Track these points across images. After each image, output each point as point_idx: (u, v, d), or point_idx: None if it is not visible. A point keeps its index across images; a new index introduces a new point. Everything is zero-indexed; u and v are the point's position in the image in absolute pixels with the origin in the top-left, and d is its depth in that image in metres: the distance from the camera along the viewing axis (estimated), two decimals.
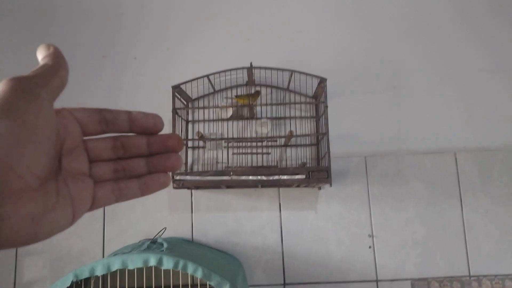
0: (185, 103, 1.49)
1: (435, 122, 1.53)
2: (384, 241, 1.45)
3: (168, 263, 1.07)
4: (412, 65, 1.57)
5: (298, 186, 1.40)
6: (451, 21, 1.59)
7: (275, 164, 1.48)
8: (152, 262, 1.06)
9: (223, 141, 1.42)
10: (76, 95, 1.61)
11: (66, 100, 1.59)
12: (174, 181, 1.28)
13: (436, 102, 1.54)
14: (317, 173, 1.25)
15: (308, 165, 1.47)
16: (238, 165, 1.45)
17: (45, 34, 1.68)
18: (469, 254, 1.43)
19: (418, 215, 1.46)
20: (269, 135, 1.45)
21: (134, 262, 1.07)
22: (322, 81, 1.32)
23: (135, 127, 0.39)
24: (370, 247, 1.45)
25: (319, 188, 1.47)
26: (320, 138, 1.44)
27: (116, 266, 1.08)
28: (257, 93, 1.41)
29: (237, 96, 1.45)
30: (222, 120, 1.49)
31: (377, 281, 1.43)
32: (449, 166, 1.49)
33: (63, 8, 1.70)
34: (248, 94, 1.42)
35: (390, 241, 1.45)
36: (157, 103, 1.56)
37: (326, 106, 1.30)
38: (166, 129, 1.52)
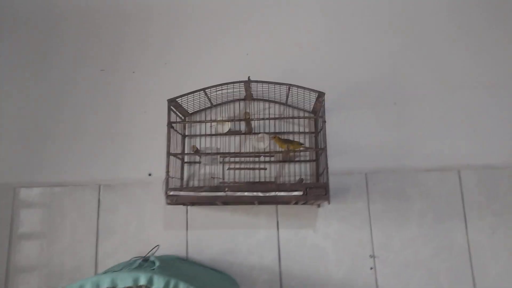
0: (182, 117, 1.47)
1: (438, 139, 1.48)
2: (386, 262, 1.39)
3: (158, 283, 1.03)
4: (413, 80, 1.54)
5: (296, 203, 1.36)
6: (453, 36, 1.57)
7: (274, 180, 1.44)
8: (142, 281, 1.02)
9: (218, 156, 1.39)
10: (75, 107, 1.61)
11: (66, 111, 1.56)
12: (168, 196, 1.25)
13: (439, 118, 1.50)
14: (315, 190, 1.21)
15: (307, 181, 1.43)
16: (235, 180, 1.41)
17: (47, 48, 1.69)
18: (476, 276, 1.37)
19: (421, 234, 1.41)
20: (267, 150, 1.42)
21: (124, 280, 1.03)
22: (320, 95, 1.29)
23: None
24: (371, 268, 1.39)
25: (318, 206, 1.43)
26: (319, 153, 1.40)
27: (105, 284, 1.04)
28: (298, 144, 1.40)
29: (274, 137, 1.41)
30: (219, 134, 1.47)
31: None
32: (453, 184, 1.44)
33: (65, 23, 1.71)
34: (286, 139, 1.40)
35: (392, 261, 1.39)
36: (155, 117, 1.55)
37: (324, 121, 1.27)
38: (162, 144, 1.50)
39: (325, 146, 1.26)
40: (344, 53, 1.58)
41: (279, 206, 1.45)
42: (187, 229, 1.46)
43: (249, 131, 1.46)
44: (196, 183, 1.47)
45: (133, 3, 1.69)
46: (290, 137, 1.46)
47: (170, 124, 1.31)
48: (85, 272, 1.44)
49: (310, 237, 1.43)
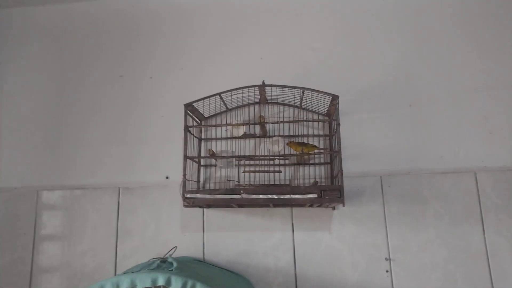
0: (198, 121, 1.50)
1: (454, 140, 1.48)
2: (402, 265, 1.39)
3: (176, 283, 1.05)
4: (428, 81, 1.54)
5: (311, 205, 1.37)
6: (467, 36, 1.56)
7: (288, 183, 1.46)
8: (161, 281, 1.05)
9: (234, 159, 1.41)
10: (94, 112, 1.65)
11: (86, 115, 1.62)
12: (185, 199, 1.28)
13: (454, 119, 1.49)
14: (330, 192, 1.22)
15: (322, 184, 1.44)
16: (250, 183, 1.43)
17: (66, 54, 1.74)
18: (494, 280, 1.35)
19: (437, 237, 1.40)
20: (281, 153, 1.43)
21: (143, 281, 1.06)
22: (334, 98, 1.30)
23: None
24: (387, 271, 1.39)
25: (333, 208, 1.44)
26: (333, 156, 1.41)
27: (125, 284, 1.06)
28: (313, 146, 1.40)
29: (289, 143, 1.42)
30: (235, 138, 1.49)
31: None
32: (469, 186, 1.43)
33: (83, 29, 1.76)
34: (301, 142, 1.41)
35: (408, 264, 1.39)
36: (172, 121, 1.58)
37: (339, 124, 1.28)
38: (179, 147, 1.54)
39: (340, 149, 1.27)
40: (357, 55, 1.59)
41: (294, 209, 1.46)
42: (203, 231, 1.48)
43: (264, 134, 1.48)
44: (212, 186, 1.50)
45: (149, 10, 1.74)
46: (305, 140, 1.47)
47: (187, 128, 1.34)
48: (105, 272, 1.48)
49: (325, 239, 1.43)
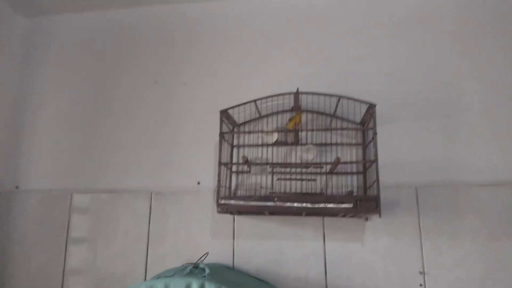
0: (231, 127, 1.50)
1: (492, 152, 1.43)
2: (437, 279, 1.35)
3: None
4: (467, 92, 1.50)
5: (344, 215, 1.35)
6: (506, 46, 1.52)
7: (320, 191, 1.44)
8: (194, 287, 1.05)
9: (268, 166, 1.41)
10: (128, 118, 1.68)
11: (120, 120, 1.64)
12: (219, 205, 1.28)
13: (493, 130, 1.45)
14: (366, 203, 1.20)
15: (355, 193, 1.42)
16: (283, 191, 1.42)
17: (102, 61, 1.78)
18: None
19: (474, 251, 1.35)
20: (314, 161, 1.42)
21: (177, 285, 1.06)
22: (371, 107, 1.29)
23: None
24: (421, 285, 1.35)
25: (366, 219, 1.41)
26: (367, 166, 1.39)
27: None
28: (298, 117, 1.40)
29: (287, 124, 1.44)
30: (267, 145, 1.49)
31: None
32: (508, 200, 1.38)
33: (119, 36, 1.80)
34: (290, 118, 1.41)
35: (443, 279, 1.35)
36: (205, 127, 1.59)
37: (376, 133, 1.26)
38: (212, 153, 1.54)
39: (376, 158, 1.25)
40: (394, 64, 1.56)
41: (326, 218, 1.44)
42: (233, 238, 1.47)
43: (296, 142, 1.47)
44: (243, 193, 1.49)
45: (183, 17, 1.76)
46: (339, 148, 1.46)
47: (222, 135, 1.34)
48: (135, 276, 1.49)
49: (358, 251, 1.41)
